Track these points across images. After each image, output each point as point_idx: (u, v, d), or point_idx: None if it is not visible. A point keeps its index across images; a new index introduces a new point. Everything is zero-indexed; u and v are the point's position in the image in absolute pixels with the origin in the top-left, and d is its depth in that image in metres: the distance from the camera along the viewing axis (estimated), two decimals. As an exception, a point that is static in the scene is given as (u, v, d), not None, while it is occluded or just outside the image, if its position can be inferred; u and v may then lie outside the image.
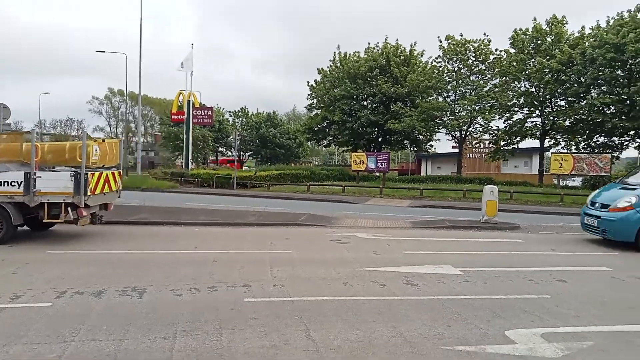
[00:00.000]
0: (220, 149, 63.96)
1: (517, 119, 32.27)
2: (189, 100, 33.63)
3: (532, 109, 31.52)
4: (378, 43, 39.21)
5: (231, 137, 55.47)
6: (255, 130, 61.19)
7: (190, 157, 34.43)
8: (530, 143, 35.26)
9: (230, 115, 65.88)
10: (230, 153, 62.63)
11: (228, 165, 50.46)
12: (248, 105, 78.53)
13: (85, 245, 9.25)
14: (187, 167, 33.60)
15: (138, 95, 33.84)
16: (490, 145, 36.26)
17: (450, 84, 34.45)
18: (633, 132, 28.43)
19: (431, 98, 34.92)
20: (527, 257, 9.16)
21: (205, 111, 37.06)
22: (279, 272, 7.15)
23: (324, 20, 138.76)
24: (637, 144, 30.04)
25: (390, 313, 5.31)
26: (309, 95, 42.02)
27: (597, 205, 10.82)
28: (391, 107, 36.65)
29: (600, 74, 26.90)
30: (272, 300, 5.69)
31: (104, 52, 40.48)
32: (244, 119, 65.10)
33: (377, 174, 34.54)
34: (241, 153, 64.40)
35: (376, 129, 39.51)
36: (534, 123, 32.05)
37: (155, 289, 6.05)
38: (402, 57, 37.64)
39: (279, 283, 6.49)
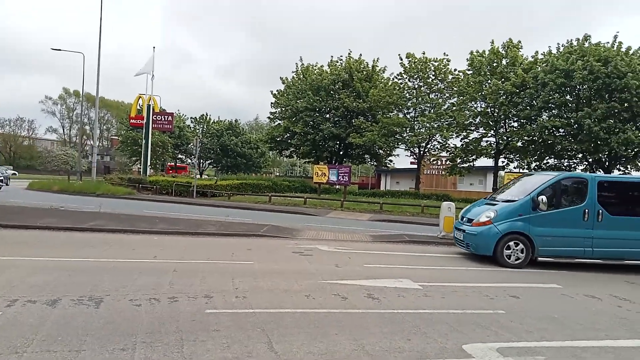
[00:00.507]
0: (179, 155, 62.75)
1: (473, 138, 33.46)
2: (149, 105, 32.93)
3: (487, 129, 32.77)
4: (341, 57, 39.90)
5: (191, 144, 54.62)
6: (217, 139, 60.51)
7: (148, 163, 33.60)
8: (486, 162, 36.58)
9: (192, 122, 64.90)
10: (189, 160, 61.54)
11: (176, 172, 49.47)
12: (211, 112, 77.71)
13: (37, 251, 8.86)
14: (145, 174, 32.77)
15: (95, 97, 32.85)
16: (448, 162, 37.33)
17: (410, 101, 35.37)
18: (581, 154, 30.02)
19: (392, 114, 35.71)
20: (482, 272, 9.49)
21: (166, 116, 36.37)
22: (241, 283, 7.09)
23: (288, 31, 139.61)
24: (584, 166, 31.72)
25: (352, 326, 5.38)
26: (272, 104, 42.11)
27: (464, 219, 11.43)
28: (353, 121, 37.20)
29: (550, 97, 28.34)
30: (234, 311, 5.64)
31: (59, 50, 38.78)
32: (205, 127, 64.29)
33: (338, 187, 34.82)
34: (201, 161, 63.45)
35: (338, 142, 39.94)
36: (488, 142, 33.31)
37: (112, 298, 5.87)
38: (364, 72, 38.37)
39: (241, 294, 6.44)
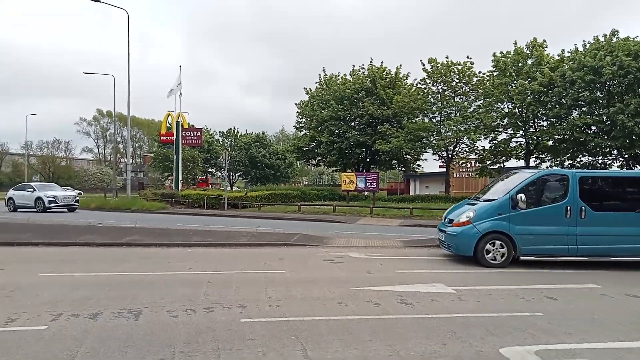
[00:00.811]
0: (210, 169, 63.86)
1: (501, 139, 32.87)
2: (178, 122, 33.71)
3: (515, 130, 32.15)
4: (363, 65, 39.94)
5: (221, 157, 55.53)
6: (245, 151, 61.33)
7: (180, 178, 34.34)
8: (518, 162, 35.85)
9: (220, 136, 66.04)
10: (220, 174, 62.54)
11: (197, 186, 50.10)
12: (236, 127, 78.94)
13: (78, 267, 9.20)
14: (177, 188, 33.49)
15: (127, 117, 33.88)
16: (477, 164, 36.76)
17: (435, 105, 35.06)
18: (616, 151, 29.08)
19: (417, 119, 35.47)
20: (518, 275, 9.30)
21: (195, 132, 37.13)
22: (274, 292, 7.19)
23: (310, 43, 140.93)
24: (620, 162, 30.70)
25: (386, 332, 5.38)
26: (297, 114, 42.50)
27: (446, 220, 11.16)
28: (378, 128, 37.11)
29: (580, 95, 27.62)
30: (268, 320, 5.72)
31: (91, 73, 40.39)
32: (233, 140, 65.28)
33: (366, 193, 34.71)
34: (231, 174, 64.37)
35: (364, 149, 39.89)
36: (518, 143, 32.67)
37: (150, 310, 6.05)
38: (387, 80, 38.31)
39: (274, 303, 6.53)
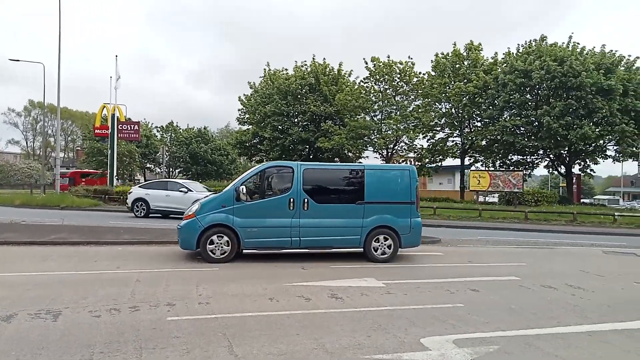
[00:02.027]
0: (148, 165, 61.68)
1: (439, 138, 34.13)
2: (114, 114, 32.28)
3: (452, 129, 33.49)
4: (306, 62, 40.03)
5: (159, 152, 53.80)
6: (186, 147, 59.76)
7: (115, 174, 32.90)
8: (454, 161, 37.35)
9: (159, 131, 63.93)
10: (158, 170, 60.60)
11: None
12: (181, 121, 76.64)
13: (-6, 267, 8.61)
14: (111, 184, 32.08)
15: (57, 107, 32.03)
16: (416, 162, 37.99)
17: (376, 104, 35.81)
18: (542, 151, 31.00)
19: (359, 117, 36.09)
20: (445, 269, 9.72)
21: (132, 126, 35.70)
22: (205, 289, 7.09)
23: (260, 35, 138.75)
24: (547, 162, 32.76)
25: (314, 326, 5.46)
26: (240, 109, 41.96)
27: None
28: (321, 125, 37.39)
29: (511, 97, 29.21)
30: (196, 318, 5.64)
31: (18, 60, 37.79)
32: (173, 135, 63.42)
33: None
34: (170, 169, 62.55)
35: (307, 146, 40.06)
36: (454, 142, 34.05)
37: (71, 311, 5.79)
38: (330, 76, 38.64)
39: (204, 301, 6.44)
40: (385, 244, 10.25)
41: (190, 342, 4.80)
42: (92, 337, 4.85)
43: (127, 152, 44.25)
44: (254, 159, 46.58)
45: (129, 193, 21.49)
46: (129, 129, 35.07)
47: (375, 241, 10.21)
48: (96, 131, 36.10)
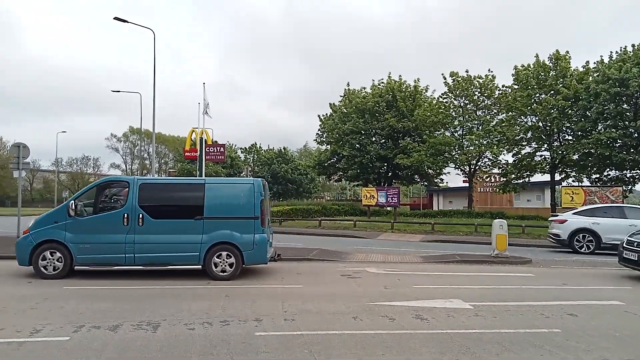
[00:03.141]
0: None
1: (525, 153, 32.37)
2: (202, 138, 34.29)
3: (539, 143, 31.65)
4: (382, 79, 40.07)
5: (243, 173, 56.17)
6: (267, 167, 61.92)
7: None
8: (543, 177, 35.21)
9: (242, 152, 66.86)
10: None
11: None
12: (261, 141, 79.75)
13: (102, 280, 9.45)
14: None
15: (152, 133, 34.71)
16: (501, 179, 36.30)
17: (457, 119, 34.86)
18: (644, 164, 28.31)
19: (438, 133, 35.31)
20: (537, 291, 9.15)
21: (218, 148, 37.65)
22: (290, 306, 7.25)
23: (337, 58, 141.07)
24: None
25: (399, 347, 5.38)
26: (319, 128, 42.78)
27: None
28: (399, 141, 37.08)
29: (605, 108, 27.08)
30: (282, 334, 5.79)
31: (119, 91, 41.66)
32: (256, 155, 66.00)
33: (388, 208, 34.57)
34: (253, 189, 64.82)
35: (385, 164, 39.85)
36: (542, 157, 32.11)
37: (169, 323, 6.19)
38: (407, 93, 38.36)
39: (289, 317, 6.59)
40: (227, 261, 9.67)
41: (277, 357, 4.94)
42: (188, 349, 5.15)
43: (214, 173, 46.73)
44: (332, 177, 47.15)
45: (559, 222, 16.84)
46: (216, 151, 36.99)
47: (217, 257, 9.68)
48: (186, 154, 38.53)
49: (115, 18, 26.05)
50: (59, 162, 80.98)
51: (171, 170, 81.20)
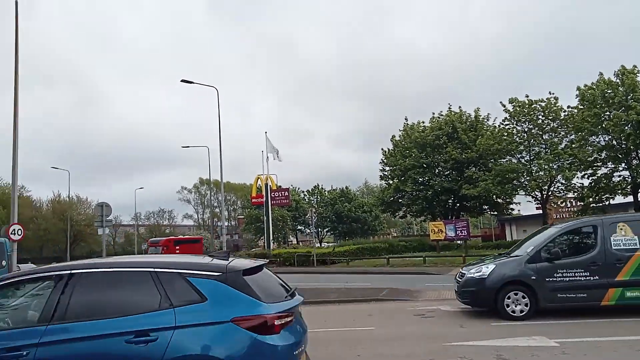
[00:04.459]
0: (298, 227, 65.46)
1: (602, 174, 30.43)
2: (267, 184, 35.44)
3: (616, 163, 29.68)
4: (442, 112, 39.71)
5: (308, 215, 56.88)
6: (331, 207, 62.34)
7: (271, 238, 35.60)
8: (626, 199, 32.73)
9: (305, 194, 67.96)
10: (308, 231, 63.85)
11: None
12: (324, 182, 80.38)
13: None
14: (269, 248, 34.70)
15: (220, 183, 36.30)
16: (578, 203, 34.17)
17: (522, 145, 33.61)
18: None
19: (503, 160, 34.12)
20: (630, 324, 8.43)
21: (282, 192, 38.69)
22: (363, 350, 7.19)
23: (395, 91, 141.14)
24: None
25: (481, 390, 5.16)
26: (381, 162, 42.71)
27: None
28: (464, 172, 36.19)
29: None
30: (358, 379, 5.74)
31: (188, 147, 44.25)
32: (319, 197, 66.78)
33: (458, 242, 33.50)
34: (319, 230, 65.34)
35: (451, 196, 38.90)
36: (622, 177, 30.01)
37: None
38: (467, 123, 37.69)
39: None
40: None
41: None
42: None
43: (280, 217, 47.73)
44: (397, 214, 46.53)
45: None
46: (280, 195, 38.04)
47: None
48: (253, 200, 39.93)
49: (182, 80, 28.16)
50: (138, 216, 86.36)
51: (240, 217, 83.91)
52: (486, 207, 40.75)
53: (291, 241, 64.83)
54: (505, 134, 34.02)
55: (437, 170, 38.79)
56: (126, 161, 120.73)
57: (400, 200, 41.60)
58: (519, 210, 43.16)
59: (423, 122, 40.65)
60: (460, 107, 39.36)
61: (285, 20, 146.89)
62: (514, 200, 38.50)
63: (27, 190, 77.36)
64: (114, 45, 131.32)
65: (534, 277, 9.07)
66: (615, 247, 9.04)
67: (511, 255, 10.11)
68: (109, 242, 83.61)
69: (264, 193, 35.86)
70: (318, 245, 54.67)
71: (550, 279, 9.03)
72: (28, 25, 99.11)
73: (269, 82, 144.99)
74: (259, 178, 37.06)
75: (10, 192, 21.05)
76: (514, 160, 34.24)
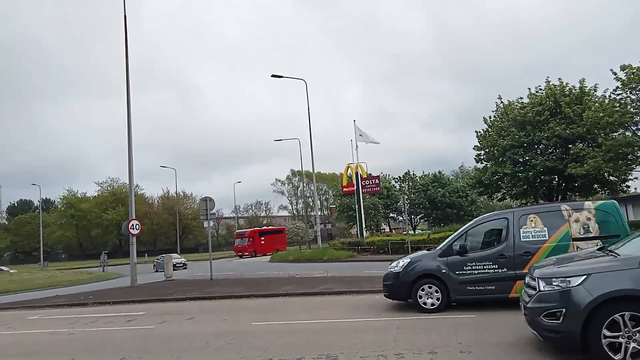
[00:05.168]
0: (391, 215, 64.96)
1: None
2: (357, 172, 35.56)
3: None
4: (540, 86, 36.81)
5: (400, 202, 56.18)
6: (423, 193, 60.99)
7: (363, 226, 35.75)
8: None
9: (397, 181, 67.11)
10: (400, 218, 63.15)
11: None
12: (415, 168, 79.00)
13: (283, 316, 10.28)
14: (361, 236, 34.89)
15: (312, 174, 37.13)
16: None
17: (638, 116, 30.20)
18: None
19: (616, 134, 30.93)
20: None
21: (373, 180, 38.59)
22: (465, 337, 6.99)
23: (487, 69, 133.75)
24: None
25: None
26: (475, 146, 40.80)
27: None
28: (570, 149, 33.40)
29: None
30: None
31: (280, 140, 45.85)
32: (410, 183, 65.60)
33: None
34: (412, 217, 64.32)
35: (556, 176, 36.11)
36: None
37: (345, 356, 6.45)
38: (572, 96, 34.61)
39: (465, 350, 6.36)
40: None
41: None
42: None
43: (371, 205, 47.69)
44: (494, 196, 44.30)
45: None
46: (371, 183, 37.98)
47: None
48: (344, 189, 40.36)
49: (273, 75, 29.27)
50: (237, 209, 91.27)
51: (332, 206, 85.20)
52: (597, 185, 37.33)
53: (384, 229, 64.47)
54: (618, 104, 30.80)
55: (539, 149, 36.21)
56: (225, 157, 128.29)
57: (499, 182, 39.49)
58: (635, 189, 38.97)
59: (521, 99, 38.07)
60: (560, 79, 36.26)
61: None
62: (630, 177, 34.83)
63: (141, 189, 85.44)
64: (206, 44, 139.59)
65: (444, 271, 9.13)
66: (525, 240, 8.88)
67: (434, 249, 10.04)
68: (213, 234, 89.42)
69: (354, 182, 36.03)
70: (412, 232, 53.88)
71: (460, 272, 9.05)
72: (135, 31, 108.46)
73: (355, 67, 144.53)
74: (349, 167, 37.29)
75: (127, 191, 23.27)
76: (629, 134, 30.94)
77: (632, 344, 4.92)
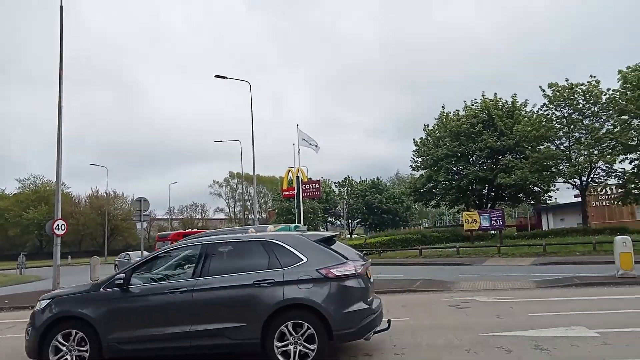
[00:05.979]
0: (329, 219, 65.65)
1: (646, 159, 29.28)
2: (298, 176, 35.55)
3: (661, 146, 28.49)
4: (476, 99, 38.84)
5: (339, 207, 56.93)
6: (361, 198, 62.23)
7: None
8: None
9: (336, 186, 67.99)
10: (338, 223, 63.97)
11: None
12: (357, 173, 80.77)
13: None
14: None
15: (253, 177, 36.76)
16: (619, 190, 32.97)
17: (561, 131, 32.60)
18: None
19: (541, 147, 33.19)
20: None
21: (313, 184, 38.69)
22: (399, 340, 7.18)
23: (431, 80, 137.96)
24: None
25: (519, 380, 5.10)
26: (413, 152, 42.19)
27: None
28: (500, 160, 35.43)
29: None
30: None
31: (221, 141, 45.09)
32: (349, 188, 66.73)
33: (492, 232, 32.92)
34: (349, 221, 65.37)
35: (486, 185, 38.16)
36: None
37: None
38: (504, 110, 36.79)
39: (399, 352, 6.54)
40: None
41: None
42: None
43: (311, 209, 47.95)
44: (429, 204, 46.02)
45: None
46: (312, 187, 38.07)
47: None
48: (284, 193, 40.16)
49: (216, 76, 28.68)
50: (172, 210, 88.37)
51: (270, 210, 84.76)
52: (522, 195, 39.83)
53: (322, 233, 65.01)
54: (544, 119, 33.05)
55: (471, 159, 38.08)
56: (161, 157, 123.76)
57: (433, 190, 41.09)
58: (555, 199, 42.00)
59: (458, 111, 39.88)
60: (495, 94, 38.45)
61: (318, 6, 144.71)
62: (552, 188, 37.48)
63: (67, 187, 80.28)
64: (150, 41, 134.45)
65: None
66: None
67: None
68: (145, 236, 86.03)
69: (295, 185, 36.02)
70: (349, 237, 54.73)
71: None
72: (70, 23, 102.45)
73: (302, 73, 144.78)
74: (290, 170, 37.21)
75: (52, 189, 21.82)
76: (553, 147, 33.29)
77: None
